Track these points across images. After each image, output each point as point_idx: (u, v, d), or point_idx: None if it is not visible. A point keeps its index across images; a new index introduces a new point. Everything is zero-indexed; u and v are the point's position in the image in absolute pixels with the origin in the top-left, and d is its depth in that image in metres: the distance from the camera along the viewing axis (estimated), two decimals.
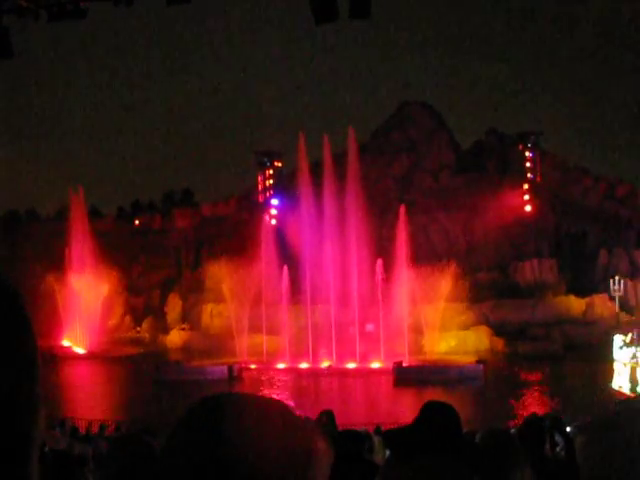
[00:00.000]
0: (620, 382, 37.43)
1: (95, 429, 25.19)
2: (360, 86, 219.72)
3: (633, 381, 36.06)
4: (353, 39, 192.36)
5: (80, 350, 71.53)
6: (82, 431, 26.01)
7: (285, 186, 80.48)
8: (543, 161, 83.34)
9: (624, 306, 66.17)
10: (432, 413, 4.29)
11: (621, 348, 38.10)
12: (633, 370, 36.44)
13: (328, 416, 11.12)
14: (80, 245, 75.33)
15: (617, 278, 64.05)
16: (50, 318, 68.27)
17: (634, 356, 36.43)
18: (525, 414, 23.83)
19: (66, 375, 57.55)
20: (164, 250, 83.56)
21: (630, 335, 38.16)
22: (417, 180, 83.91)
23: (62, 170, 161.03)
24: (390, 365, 54.01)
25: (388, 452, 4.92)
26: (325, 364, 57.40)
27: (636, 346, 36.87)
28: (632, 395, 35.75)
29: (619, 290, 62.42)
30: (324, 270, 61.93)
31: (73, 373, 60.18)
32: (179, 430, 1.56)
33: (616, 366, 38.27)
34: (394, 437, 4.71)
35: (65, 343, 73.02)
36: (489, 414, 33.09)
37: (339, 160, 65.32)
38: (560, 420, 7.03)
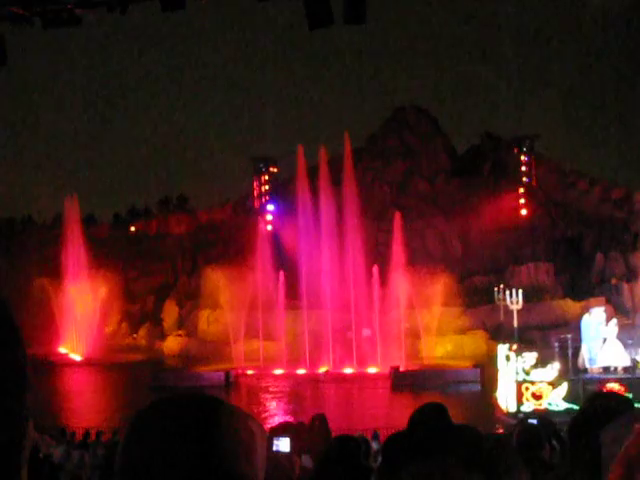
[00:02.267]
0: (499, 394, 36.93)
1: (92, 436, 25.15)
2: (355, 90, 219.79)
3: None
4: (349, 44, 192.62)
5: (77, 357, 71.43)
6: (79, 438, 25.98)
7: (281, 192, 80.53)
8: (538, 165, 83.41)
9: (620, 309, 66.22)
10: (422, 417, 4.29)
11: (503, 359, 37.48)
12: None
13: (320, 420, 11.11)
14: (76, 252, 75.24)
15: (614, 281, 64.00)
16: (46, 325, 68.25)
17: (509, 366, 36.00)
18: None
19: (63, 382, 57.50)
20: (160, 256, 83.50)
21: (515, 346, 37.79)
22: (413, 185, 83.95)
23: (58, 177, 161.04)
24: (387, 370, 54.03)
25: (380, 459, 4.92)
26: (322, 369, 57.37)
27: (516, 357, 36.43)
28: (503, 408, 35.42)
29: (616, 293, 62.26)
30: (320, 275, 61.94)
31: (70, 380, 60.11)
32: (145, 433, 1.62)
33: (499, 376, 37.77)
34: (390, 444, 4.71)
35: (61, 350, 72.91)
36: (486, 418, 33.13)
37: (335, 164, 65.37)
38: (552, 424, 7.02)
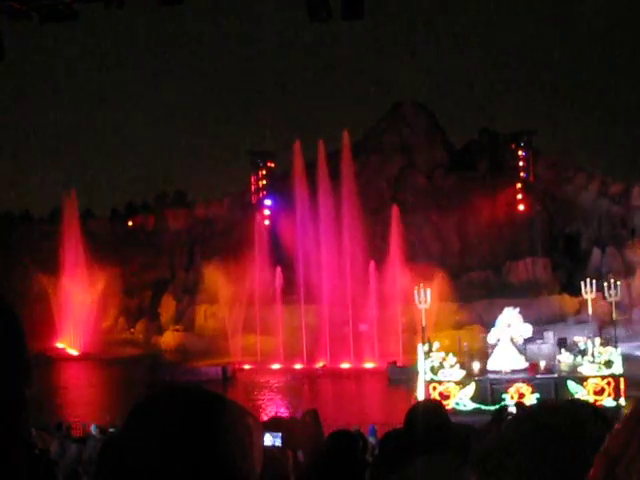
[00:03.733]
0: (418, 393, 36.68)
1: (89, 430, 25.15)
2: (353, 86, 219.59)
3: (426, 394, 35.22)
4: (346, 39, 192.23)
5: (74, 352, 71.47)
6: (76, 433, 25.99)
7: (278, 187, 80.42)
8: (536, 160, 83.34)
9: (617, 305, 66.21)
10: (418, 414, 4.30)
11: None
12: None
13: (312, 416, 11.14)
14: (73, 247, 75.25)
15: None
16: (44, 320, 68.24)
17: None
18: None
19: (60, 377, 57.52)
20: (157, 251, 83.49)
21: (437, 344, 37.81)
22: (410, 180, 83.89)
23: (56, 172, 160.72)
24: (384, 365, 54.08)
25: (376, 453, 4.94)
26: (319, 364, 57.41)
27: (425, 357, 36.42)
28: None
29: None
30: (318, 270, 61.96)
31: (67, 375, 60.15)
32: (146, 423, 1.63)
33: (420, 376, 37.63)
34: (387, 440, 4.73)
35: (59, 345, 72.93)
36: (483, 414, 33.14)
37: (332, 159, 65.35)
38: (525, 406, 6.97)
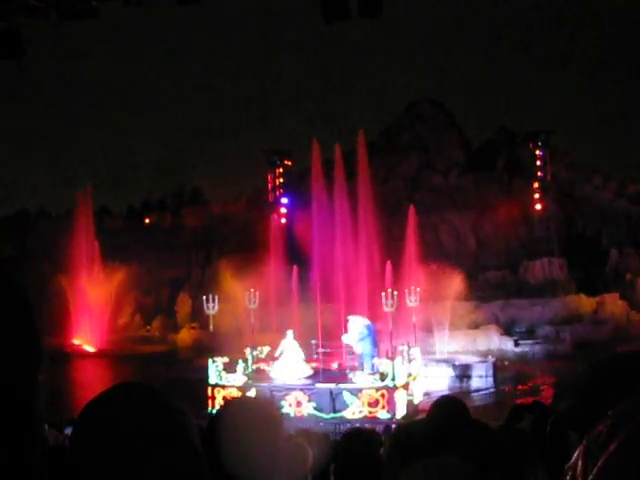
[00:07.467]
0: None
1: None
2: (370, 84, 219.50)
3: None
4: (363, 36, 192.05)
5: (90, 348, 71.72)
6: None
7: (295, 185, 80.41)
8: (553, 160, 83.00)
9: (635, 305, 66.03)
10: (440, 409, 4.28)
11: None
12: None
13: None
14: (89, 244, 75.51)
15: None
16: (60, 316, 68.49)
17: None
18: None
19: (76, 373, 57.72)
20: (174, 249, 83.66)
21: (267, 349, 38.00)
22: (427, 179, 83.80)
23: (72, 169, 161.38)
24: None
25: (388, 448, 4.91)
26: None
27: (212, 361, 36.57)
28: None
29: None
30: (334, 269, 61.83)
31: (83, 371, 60.36)
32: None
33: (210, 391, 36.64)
34: (404, 434, 4.70)
35: (75, 341, 73.19)
36: (499, 414, 33.07)
37: (349, 158, 65.23)
38: (547, 407, 6.88)
